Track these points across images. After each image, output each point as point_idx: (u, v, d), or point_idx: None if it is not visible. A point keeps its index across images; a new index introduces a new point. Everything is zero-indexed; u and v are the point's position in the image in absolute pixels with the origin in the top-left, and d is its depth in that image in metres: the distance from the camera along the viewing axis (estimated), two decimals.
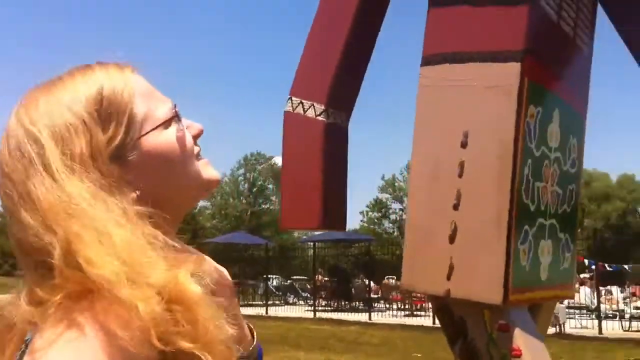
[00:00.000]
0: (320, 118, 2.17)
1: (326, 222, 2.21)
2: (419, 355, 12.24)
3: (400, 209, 53.68)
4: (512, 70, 1.85)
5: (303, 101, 2.17)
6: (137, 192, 0.82)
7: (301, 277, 26.90)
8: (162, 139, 0.87)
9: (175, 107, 0.91)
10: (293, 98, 2.21)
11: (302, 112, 2.17)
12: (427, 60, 1.97)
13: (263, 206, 56.43)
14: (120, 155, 0.82)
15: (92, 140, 0.80)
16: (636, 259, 22.42)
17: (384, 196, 54.05)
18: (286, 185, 2.21)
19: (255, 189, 57.10)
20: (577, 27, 2.21)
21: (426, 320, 18.45)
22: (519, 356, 1.86)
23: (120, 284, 0.71)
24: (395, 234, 51.10)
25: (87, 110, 0.82)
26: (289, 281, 26.09)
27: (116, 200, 0.78)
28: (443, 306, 2.01)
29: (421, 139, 1.96)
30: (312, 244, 23.78)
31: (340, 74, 2.16)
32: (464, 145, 1.87)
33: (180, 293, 0.74)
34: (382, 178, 54.27)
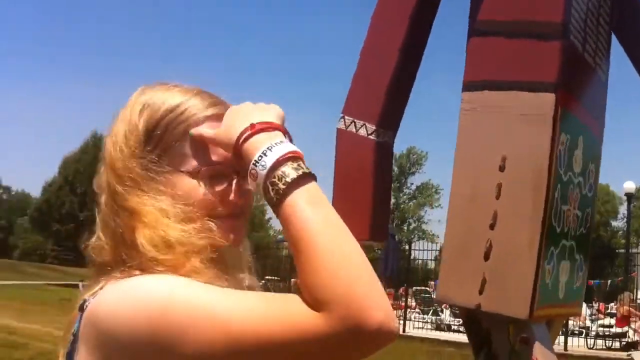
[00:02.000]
0: (371, 137, 2.29)
1: (373, 235, 2.32)
2: None
3: None
4: (547, 100, 1.98)
5: (355, 120, 2.28)
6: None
7: (274, 278, 26.86)
8: (178, 182, 1.00)
9: (210, 167, 1.01)
10: (346, 117, 2.32)
11: (354, 130, 2.28)
12: (467, 86, 2.10)
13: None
14: (150, 165, 1.00)
15: (136, 147, 1.00)
16: (605, 275, 22.88)
17: None
18: (338, 199, 2.31)
19: None
20: (597, 56, 2.36)
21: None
22: None
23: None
24: None
25: (145, 125, 1.01)
26: (262, 282, 25.96)
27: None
28: (472, 318, 2.13)
29: (461, 160, 2.08)
30: (286, 244, 23.71)
31: (390, 97, 2.27)
32: (501, 168, 2.00)
33: None
34: None
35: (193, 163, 1.00)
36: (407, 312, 18.61)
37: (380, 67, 2.27)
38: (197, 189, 0.99)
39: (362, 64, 2.34)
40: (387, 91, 2.25)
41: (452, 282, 2.06)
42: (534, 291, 1.97)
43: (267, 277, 27.02)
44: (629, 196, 22.57)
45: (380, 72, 2.27)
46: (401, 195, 55.05)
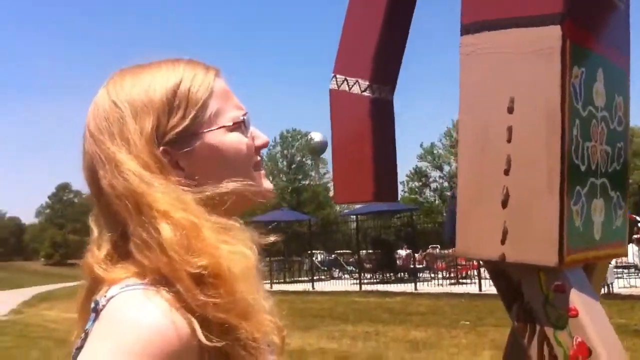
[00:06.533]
0: (365, 94, 2.20)
1: (379, 195, 2.25)
2: (467, 322, 12.28)
3: (441, 177, 53.55)
4: (553, 34, 1.85)
5: (347, 78, 2.21)
6: (189, 180, 0.93)
7: (345, 251, 27.03)
8: (222, 140, 0.96)
9: (245, 115, 1.00)
10: (337, 76, 2.24)
11: (347, 89, 2.21)
12: (466, 29, 1.98)
13: (303, 182, 56.82)
14: (179, 142, 0.94)
15: (157, 123, 0.93)
16: None
17: (424, 164, 53.81)
18: (337, 161, 2.26)
19: (294, 166, 57.55)
20: None
21: (472, 287, 18.48)
22: (576, 316, 1.89)
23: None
24: (437, 202, 51.01)
25: (160, 97, 0.94)
26: (333, 255, 26.29)
27: (165, 182, 0.90)
28: (499, 271, 2.04)
29: (467, 108, 1.98)
30: (354, 217, 23.86)
31: (382, 47, 2.18)
32: (510, 110, 1.88)
33: (217, 271, 0.85)
34: (421, 146, 54.01)
35: (226, 117, 0.97)
36: (482, 271, 18.33)
37: (368, 18, 2.18)
38: (244, 142, 0.98)
39: (350, 17, 2.25)
40: (378, 43, 2.16)
41: (471, 235, 1.96)
42: (561, 235, 1.85)
43: (337, 252, 27.33)
44: None
45: (368, 24, 2.18)
46: None
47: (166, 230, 0.86)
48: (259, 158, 1.02)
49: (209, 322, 0.84)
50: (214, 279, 0.86)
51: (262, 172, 1.02)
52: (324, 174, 59.11)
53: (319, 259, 25.69)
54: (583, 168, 1.96)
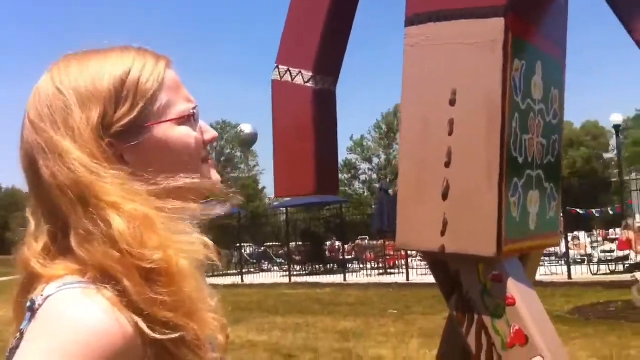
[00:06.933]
0: (309, 85, 2.17)
1: (320, 188, 2.22)
2: (394, 311, 12.50)
3: (370, 169, 54.27)
4: (496, 26, 1.86)
5: (290, 69, 2.17)
6: (136, 173, 0.88)
7: (274, 244, 26.96)
8: (172, 133, 0.93)
9: (194, 108, 0.96)
10: (280, 66, 2.20)
11: (290, 79, 2.17)
12: (411, 20, 1.97)
13: (232, 175, 56.39)
14: (125, 134, 0.89)
15: (104, 113, 0.87)
16: (602, 204, 23.05)
17: (353, 157, 54.37)
18: (278, 153, 2.22)
19: (223, 158, 57.04)
20: None
21: (400, 277, 18.83)
22: (513, 304, 1.92)
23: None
24: (366, 194, 51.73)
25: (108, 86, 0.88)
26: (262, 248, 26.17)
27: (114, 172, 0.85)
28: (438, 262, 2.05)
29: (409, 99, 1.97)
30: (284, 209, 23.82)
31: (326, 38, 2.16)
32: (452, 103, 1.89)
33: (167, 267, 0.81)
34: (351, 138, 54.49)
35: (175, 110, 0.93)
36: (410, 261, 18.73)
37: (312, 9, 2.15)
38: (193, 135, 0.94)
39: (294, 7, 2.21)
40: (322, 34, 2.13)
41: (412, 227, 1.97)
42: (500, 226, 1.88)
43: (266, 244, 27.23)
44: (617, 128, 23.00)
45: (312, 13, 2.15)
46: (392, 151, 55.53)
47: (118, 222, 0.81)
48: (206, 152, 0.99)
49: (153, 321, 0.80)
50: (164, 276, 0.81)
51: (210, 162, 0.99)
52: (254, 166, 58.78)
53: (248, 251, 25.51)
54: (521, 160, 2.00)
